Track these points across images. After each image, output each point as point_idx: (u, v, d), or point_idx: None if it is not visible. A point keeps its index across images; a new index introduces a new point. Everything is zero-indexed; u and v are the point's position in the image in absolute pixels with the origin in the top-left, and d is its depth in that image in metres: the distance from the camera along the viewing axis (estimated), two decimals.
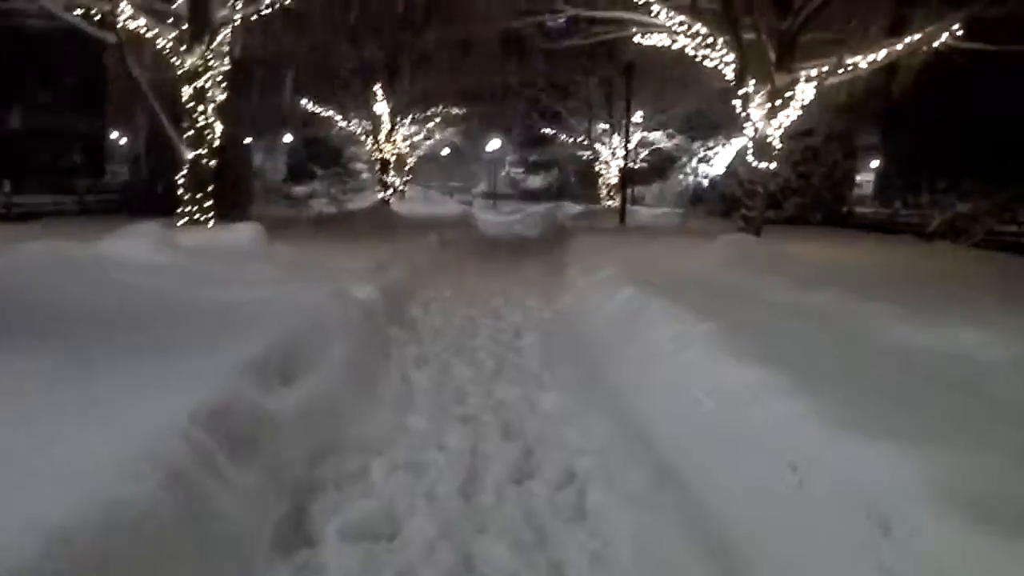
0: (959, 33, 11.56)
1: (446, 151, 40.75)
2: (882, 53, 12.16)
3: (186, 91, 12.24)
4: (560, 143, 33.57)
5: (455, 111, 30.96)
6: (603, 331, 7.01)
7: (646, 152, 30.91)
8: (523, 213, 33.54)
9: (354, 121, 28.22)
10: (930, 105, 23.75)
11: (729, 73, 13.58)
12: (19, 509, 2.16)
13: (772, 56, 12.99)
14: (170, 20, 12.34)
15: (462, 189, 44.50)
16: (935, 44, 11.75)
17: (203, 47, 12.13)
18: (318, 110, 28.15)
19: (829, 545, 2.62)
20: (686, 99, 24.35)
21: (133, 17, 11.83)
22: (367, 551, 3.18)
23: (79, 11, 11.90)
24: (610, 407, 5.07)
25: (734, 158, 23.30)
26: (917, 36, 11.75)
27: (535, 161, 43.36)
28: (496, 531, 3.40)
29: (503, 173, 45.15)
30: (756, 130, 13.40)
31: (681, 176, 30.64)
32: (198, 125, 12.29)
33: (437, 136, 34.03)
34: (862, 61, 12.38)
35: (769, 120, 13.18)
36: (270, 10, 13.37)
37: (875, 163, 35.09)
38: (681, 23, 13.51)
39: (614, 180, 29.30)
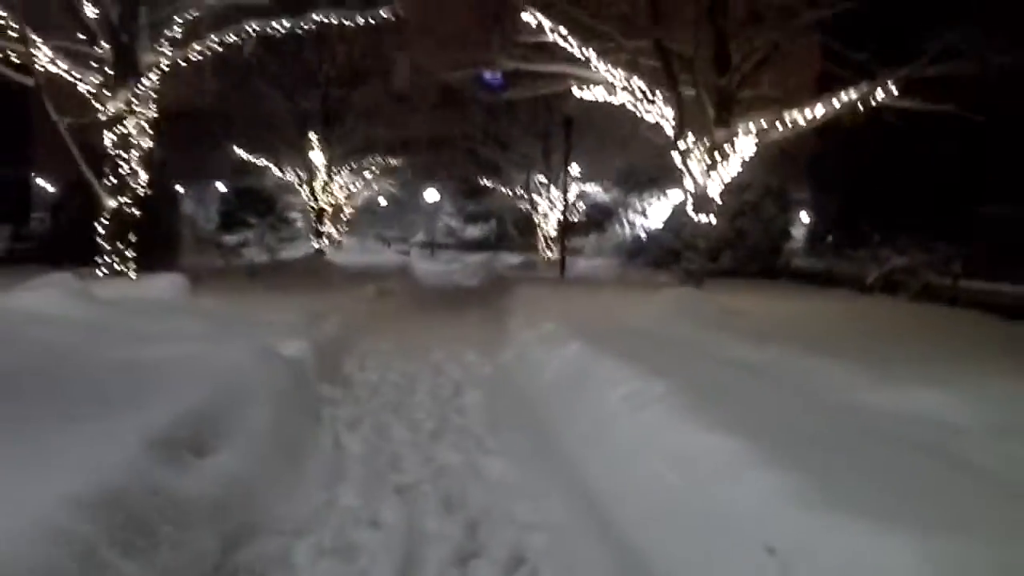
0: (894, 92, 11.82)
1: (383, 201, 40.44)
2: (819, 110, 12.36)
3: (109, 137, 11.77)
4: (498, 194, 33.57)
5: (392, 161, 30.81)
6: (549, 388, 6.67)
7: (584, 205, 31.13)
8: (462, 263, 33.27)
9: (289, 170, 27.78)
10: (856, 160, 24.55)
11: (668, 128, 13.65)
12: None
13: (711, 112, 13.11)
14: (94, 64, 11.91)
15: (400, 239, 44.12)
16: (871, 102, 11.98)
17: (127, 92, 11.72)
18: (251, 159, 27.60)
19: None
20: (624, 153, 24.59)
21: (52, 61, 11.36)
22: None
23: None
24: (561, 475, 4.69)
25: (673, 211, 23.55)
26: (853, 95, 11.97)
27: (473, 211, 43.30)
28: None
29: (441, 223, 44.96)
30: (696, 184, 13.44)
31: (619, 228, 30.92)
32: (121, 172, 11.78)
33: (375, 186, 33.78)
34: (800, 118, 12.57)
35: (708, 174, 13.23)
36: (200, 57, 13.03)
37: (806, 217, 36.07)
38: (621, 78, 13.56)
39: (552, 232, 29.34)
